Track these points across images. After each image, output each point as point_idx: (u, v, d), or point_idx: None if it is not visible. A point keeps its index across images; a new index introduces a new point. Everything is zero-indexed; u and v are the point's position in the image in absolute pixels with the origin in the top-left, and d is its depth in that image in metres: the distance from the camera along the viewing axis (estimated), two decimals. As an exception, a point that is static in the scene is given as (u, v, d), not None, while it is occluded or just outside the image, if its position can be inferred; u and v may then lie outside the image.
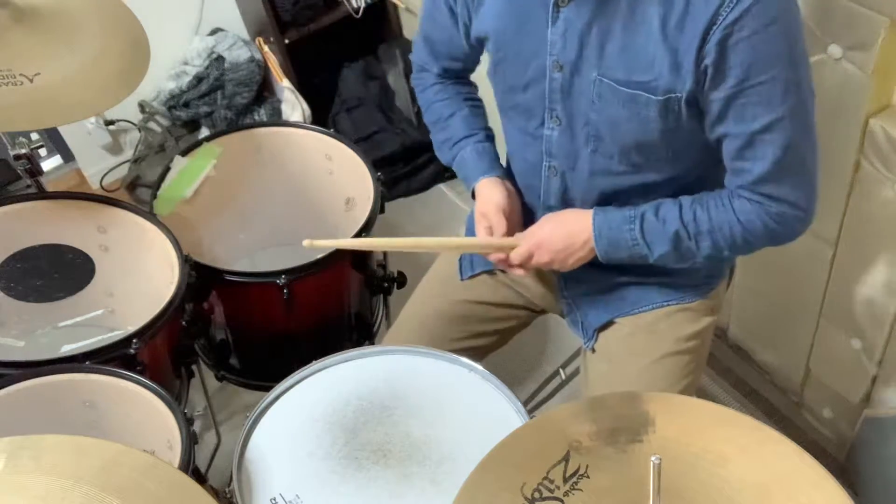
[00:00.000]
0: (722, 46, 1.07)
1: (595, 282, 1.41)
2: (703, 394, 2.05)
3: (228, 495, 1.25)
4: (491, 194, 1.36)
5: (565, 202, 1.34)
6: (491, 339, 1.53)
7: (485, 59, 1.38)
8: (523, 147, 1.34)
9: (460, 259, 1.54)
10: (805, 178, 1.19)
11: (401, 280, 1.80)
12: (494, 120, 1.52)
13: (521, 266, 1.31)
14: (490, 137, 1.45)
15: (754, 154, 1.15)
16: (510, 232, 1.34)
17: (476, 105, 1.47)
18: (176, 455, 1.28)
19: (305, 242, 1.22)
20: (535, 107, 1.26)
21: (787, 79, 1.10)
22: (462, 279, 1.53)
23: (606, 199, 1.30)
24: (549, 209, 1.36)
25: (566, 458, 1.04)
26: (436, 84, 1.47)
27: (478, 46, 1.35)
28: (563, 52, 1.18)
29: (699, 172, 1.27)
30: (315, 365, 1.39)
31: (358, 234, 1.65)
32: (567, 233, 1.28)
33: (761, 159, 1.15)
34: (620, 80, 1.15)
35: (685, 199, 1.25)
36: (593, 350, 1.46)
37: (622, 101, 1.17)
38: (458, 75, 1.48)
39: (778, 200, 1.18)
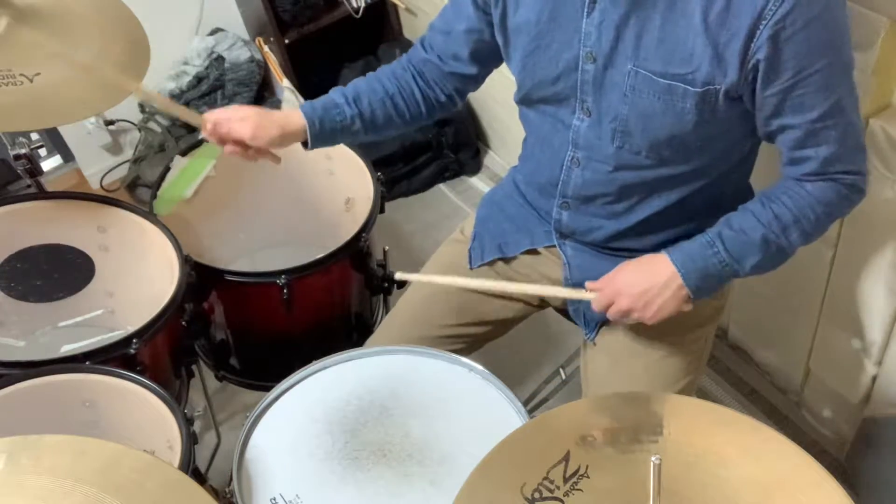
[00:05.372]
0: (775, 41, 1.07)
1: (601, 273, 1.41)
2: (703, 394, 2.05)
3: (228, 495, 1.25)
4: (270, 112, 1.34)
5: (583, 195, 1.34)
6: (487, 328, 1.54)
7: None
8: (551, 133, 1.32)
9: (470, 249, 1.54)
10: (861, 143, 1.21)
11: (401, 280, 1.80)
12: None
13: (602, 310, 1.26)
14: (353, 121, 1.37)
15: (817, 141, 1.16)
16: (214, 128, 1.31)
17: (387, 107, 1.40)
18: (176, 455, 1.28)
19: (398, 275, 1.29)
20: (569, 96, 1.26)
21: (842, 62, 1.12)
22: (472, 268, 1.53)
23: (628, 192, 1.30)
24: (566, 201, 1.36)
25: (566, 458, 1.04)
26: (401, 70, 1.43)
27: (502, 44, 1.32)
28: (598, 43, 1.18)
29: (724, 164, 1.27)
30: (315, 365, 1.39)
31: (358, 234, 1.65)
32: (646, 273, 1.23)
33: (824, 144, 1.16)
34: (657, 72, 1.15)
35: (751, 205, 1.23)
36: (594, 343, 1.45)
37: (658, 92, 1.17)
38: (438, 77, 1.42)
39: (847, 173, 1.20)
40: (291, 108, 1.37)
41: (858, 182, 1.22)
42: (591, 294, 1.28)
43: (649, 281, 1.23)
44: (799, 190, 1.21)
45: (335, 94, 1.39)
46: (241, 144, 1.32)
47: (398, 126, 1.44)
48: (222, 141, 1.33)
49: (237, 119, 1.32)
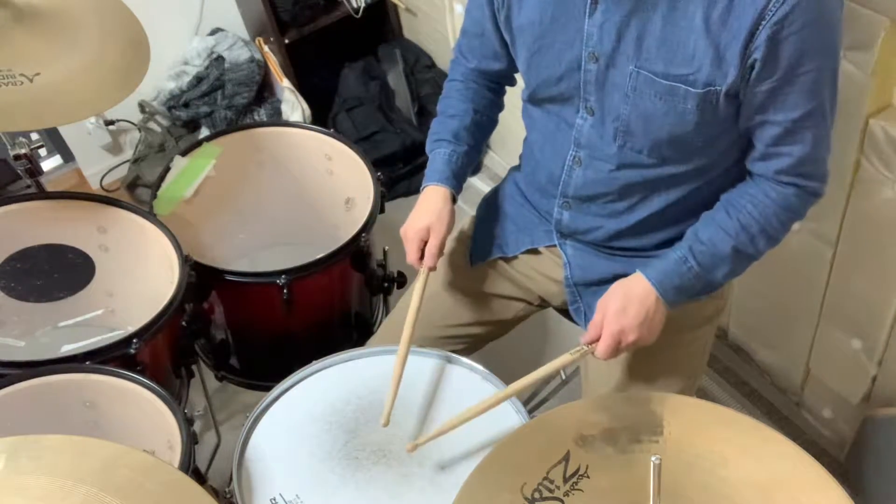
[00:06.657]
0: (773, 41, 1.08)
1: (602, 272, 1.41)
2: (703, 394, 2.05)
3: (228, 495, 1.25)
4: (428, 205, 1.39)
5: (584, 194, 1.34)
6: (487, 328, 1.54)
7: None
8: (555, 132, 1.33)
9: (471, 248, 1.54)
10: (829, 149, 1.22)
11: (401, 280, 1.80)
12: (501, 120, 1.52)
13: (612, 356, 1.24)
14: (469, 154, 1.45)
15: (794, 140, 1.17)
16: (420, 254, 1.37)
17: (479, 123, 1.47)
18: (176, 455, 1.28)
19: (409, 447, 1.23)
20: (573, 96, 1.26)
21: (832, 67, 1.14)
22: (472, 267, 1.53)
23: (629, 192, 1.30)
24: (567, 201, 1.36)
25: (566, 458, 1.04)
26: (462, 82, 1.48)
27: (510, 43, 1.34)
28: (600, 43, 1.18)
29: (725, 161, 1.28)
30: (315, 365, 1.39)
31: (358, 234, 1.65)
32: (637, 302, 1.22)
33: (801, 143, 1.18)
34: (658, 73, 1.16)
35: (716, 214, 1.25)
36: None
37: (659, 93, 1.17)
38: (492, 78, 1.47)
39: (812, 176, 1.22)
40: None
41: (819, 189, 1.24)
42: (593, 346, 1.24)
43: (643, 306, 1.23)
44: (763, 198, 1.22)
45: (441, 145, 1.45)
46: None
47: (491, 131, 1.52)
48: (437, 256, 1.37)
49: (428, 228, 1.37)
